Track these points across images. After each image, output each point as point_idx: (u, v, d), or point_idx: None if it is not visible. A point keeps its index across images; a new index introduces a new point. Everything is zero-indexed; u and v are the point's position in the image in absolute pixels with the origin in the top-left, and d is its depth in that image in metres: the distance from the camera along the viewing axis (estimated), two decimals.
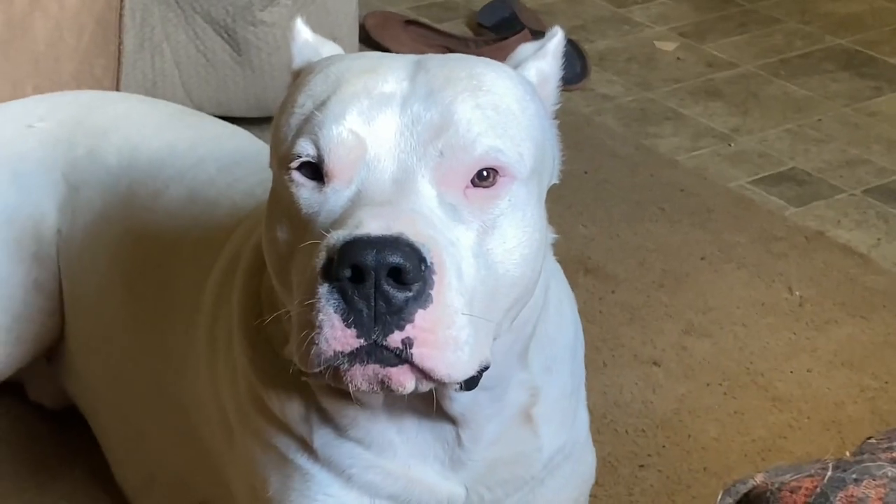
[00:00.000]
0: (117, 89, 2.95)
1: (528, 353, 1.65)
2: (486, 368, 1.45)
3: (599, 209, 3.13)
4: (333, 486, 1.66)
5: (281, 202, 1.49)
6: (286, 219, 1.48)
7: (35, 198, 2.16)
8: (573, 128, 3.32)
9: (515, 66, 1.59)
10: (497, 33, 3.93)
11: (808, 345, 2.68)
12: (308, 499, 1.66)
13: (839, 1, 4.30)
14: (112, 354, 2.12)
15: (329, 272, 1.36)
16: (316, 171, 1.45)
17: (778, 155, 3.42)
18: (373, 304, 1.35)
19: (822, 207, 3.19)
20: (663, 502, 2.29)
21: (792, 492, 1.24)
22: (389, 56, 1.56)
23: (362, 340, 1.36)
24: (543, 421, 1.70)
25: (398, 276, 1.34)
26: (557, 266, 1.77)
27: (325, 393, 1.60)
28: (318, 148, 1.44)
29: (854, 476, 1.25)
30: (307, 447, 1.65)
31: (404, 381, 1.39)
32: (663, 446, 2.41)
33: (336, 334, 1.36)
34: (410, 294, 1.35)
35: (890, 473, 1.24)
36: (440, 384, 1.41)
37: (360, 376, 1.39)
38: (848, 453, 1.35)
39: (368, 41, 3.81)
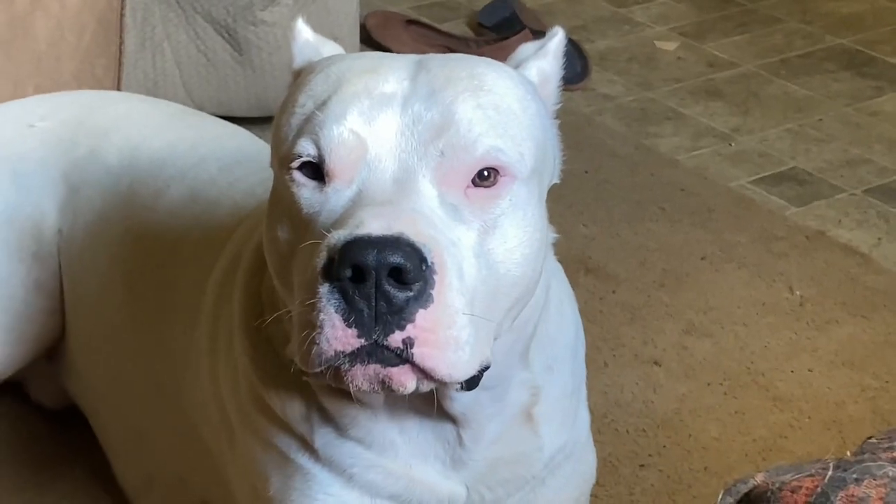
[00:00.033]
0: (118, 89, 2.95)
1: (528, 352, 1.65)
2: (487, 368, 1.45)
3: (600, 209, 3.13)
4: (334, 486, 1.66)
5: (282, 202, 1.49)
6: (287, 218, 1.48)
7: (36, 197, 2.16)
8: (574, 127, 3.32)
9: (516, 66, 1.59)
10: (498, 33, 3.93)
11: (809, 344, 2.68)
12: (309, 498, 1.66)
13: (840, 0, 4.30)
14: (113, 354, 2.12)
15: (330, 272, 1.36)
16: (317, 170, 1.45)
17: (779, 155, 3.42)
18: (373, 303, 1.35)
19: (822, 207, 3.19)
20: (664, 502, 2.29)
21: (793, 491, 1.25)
22: (390, 56, 1.56)
23: (363, 340, 1.36)
24: (544, 420, 1.70)
25: (399, 275, 1.34)
26: (558, 266, 1.77)
27: (326, 393, 1.60)
28: (318, 148, 1.44)
29: (855, 476, 1.25)
30: (308, 447, 1.65)
31: (405, 381, 1.39)
32: (664, 446, 2.41)
33: (337, 334, 1.36)
34: (411, 294, 1.35)
35: (891, 473, 1.24)
36: (441, 384, 1.41)
37: (361, 376, 1.39)
38: (849, 453, 1.35)
39: (369, 41, 3.81)
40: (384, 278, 1.34)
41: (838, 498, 1.22)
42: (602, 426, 2.41)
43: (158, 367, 2.01)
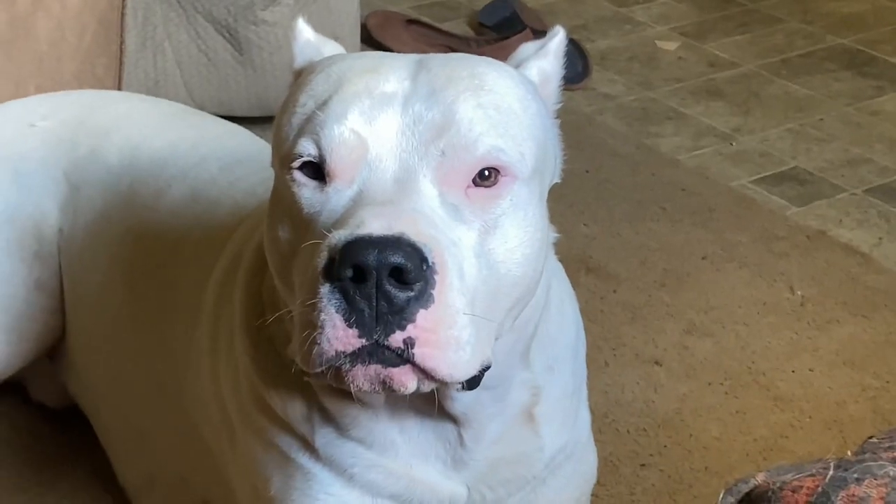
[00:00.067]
0: (119, 89, 2.95)
1: (529, 352, 1.65)
2: (488, 368, 1.45)
3: (601, 208, 3.13)
4: (335, 486, 1.66)
5: (282, 202, 1.49)
6: (288, 218, 1.48)
7: (36, 197, 2.16)
8: (575, 127, 3.32)
9: (517, 66, 1.59)
10: (498, 33, 3.93)
11: (810, 344, 2.68)
12: (310, 498, 1.66)
13: (841, 0, 4.30)
14: (113, 353, 2.12)
15: (331, 272, 1.36)
16: (317, 170, 1.45)
17: (779, 154, 3.42)
18: (374, 304, 1.35)
19: (823, 207, 3.19)
20: (665, 502, 2.29)
21: (794, 491, 1.25)
22: (391, 55, 1.56)
23: (364, 340, 1.36)
24: (545, 420, 1.70)
25: (400, 275, 1.34)
26: (559, 265, 1.77)
27: (327, 393, 1.60)
28: (319, 148, 1.44)
29: (856, 475, 1.25)
30: (309, 446, 1.65)
31: (406, 381, 1.39)
32: (665, 446, 2.41)
33: (338, 334, 1.36)
34: (412, 294, 1.35)
35: (891, 473, 1.24)
36: (442, 384, 1.41)
37: (362, 377, 1.39)
38: (849, 452, 1.35)
39: (370, 41, 3.81)
40: (385, 278, 1.34)
41: (839, 497, 1.22)
42: (603, 426, 2.41)
43: (159, 366, 2.01)
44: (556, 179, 1.62)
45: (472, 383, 1.45)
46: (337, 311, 1.36)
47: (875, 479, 1.23)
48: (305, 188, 1.46)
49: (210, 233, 1.98)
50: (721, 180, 3.28)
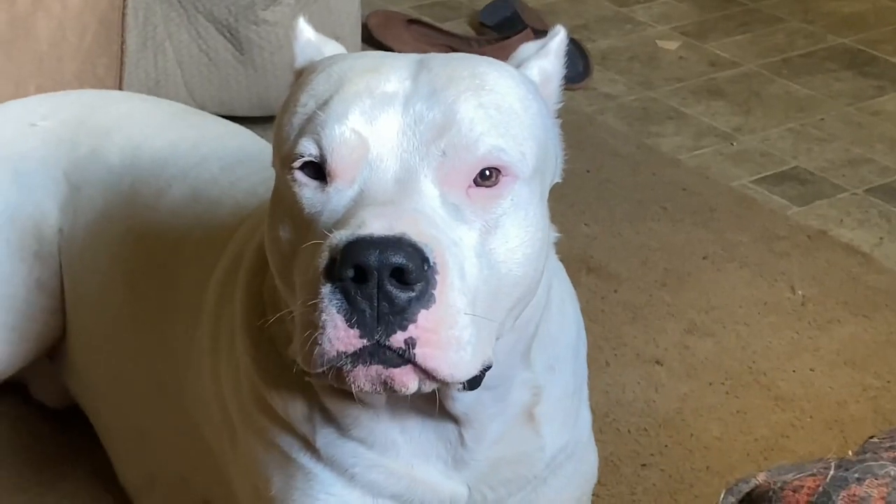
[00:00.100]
0: (120, 88, 2.95)
1: (530, 352, 1.65)
2: (489, 368, 1.45)
3: (602, 208, 3.13)
4: (336, 486, 1.66)
5: (283, 202, 1.49)
6: (289, 218, 1.48)
7: (37, 197, 2.16)
8: (575, 127, 3.31)
9: (518, 66, 1.59)
10: (499, 32, 3.93)
11: (811, 344, 2.68)
12: (311, 498, 1.66)
13: (842, 0, 4.30)
14: (114, 353, 2.12)
15: (332, 272, 1.36)
16: (318, 170, 1.45)
17: (780, 154, 3.42)
18: (376, 304, 1.35)
19: (824, 206, 3.19)
20: (666, 502, 2.29)
21: (794, 491, 1.24)
22: (392, 55, 1.56)
23: (365, 341, 1.36)
24: (546, 420, 1.70)
25: (401, 276, 1.34)
26: (560, 265, 1.77)
27: (328, 393, 1.60)
28: (320, 147, 1.44)
29: (856, 475, 1.25)
30: (310, 446, 1.65)
31: (407, 381, 1.39)
32: (666, 445, 2.41)
33: (339, 335, 1.36)
34: (413, 294, 1.35)
35: (892, 472, 1.24)
36: (443, 384, 1.41)
37: (363, 377, 1.39)
38: (850, 452, 1.35)
39: (371, 40, 3.81)
40: (386, 279, 1.34)
41: (840, 497, 1.22)
42: (604, 426, 2.41)
43: (160, 366, 2.01)
44: (557, 179, 1.62)
45: (474, 383, 1.45)
46: (338, 312, 1.36)
47: (876, 479, 1.23)
48: (306, 188, 1.46)
49: (211, 232, 1.98)
50: (722, 180, 3.28)
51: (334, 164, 1.43)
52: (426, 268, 1.35)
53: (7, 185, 2.15)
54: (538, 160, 1.50)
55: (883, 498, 1.21)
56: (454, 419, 1.61)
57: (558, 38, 1.63)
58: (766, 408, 2.51)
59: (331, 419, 1.63)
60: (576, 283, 1.85)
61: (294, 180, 1.47)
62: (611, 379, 2.56)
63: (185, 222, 2.04)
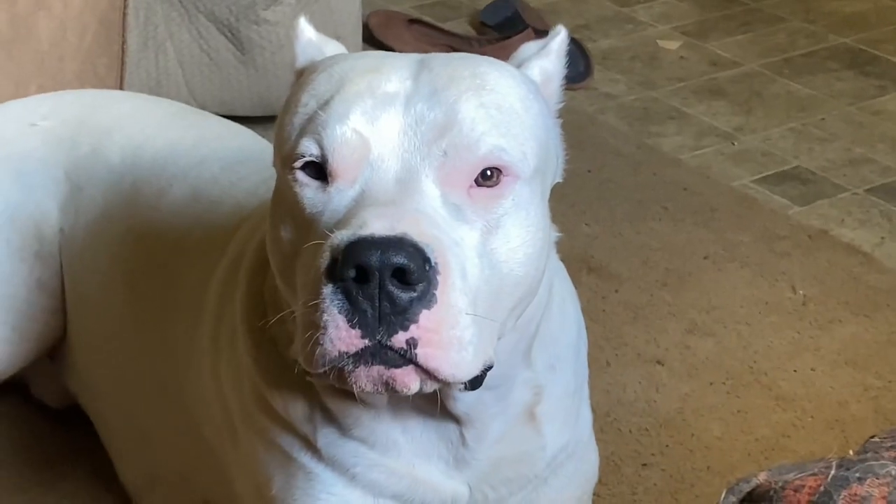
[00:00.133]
0: (121, 88, 2.95)
1: (531, 351, 1.65)
2: (491, 368, 1.45)
3: (603, 208, 3.13)
4: (337, 485, 1.66)
5: (285, 202, 1.49)
6: (290, 218, 1.48)
7: (38, 196, 2.16)
8: (576, 126, 3.31)
9: (519, 65, 1.59)
10: (500, 32, 3.93)
11: (812, 344, 2.68)
12: (312, 497, 1.66)
13: (843, 0, 4.30)
14: (115, 353, 2.12)
15: (333, 273, 1.35)
16: (320, 170, 1.45)
17: (781, 154, 3.42)
18: (377, 304, 1.35)
19: (825, 206, 3.19)
20: (667, 501, 2.29)
21: (795, 490, 1.24)
22: (393, 55, 1.56)
23: (367, 341, 1.36)
24: (547, 420, 1.70)
25: (402, 276, 1.34)
26: (560, 265, 1.77)
27: (330, 393, 1.60)
28: (321, 148, 1.44)
29: (857, 475, 1.25)
30: (311, 446, 1.65)
31: (409, 382, 1.39)
32: (667, 445, 2.41)
33: (341, 335, 1.36)
34: (415, 294, 1.35)
35: (893, 472, 1.24)
36: (445, 384, 1.41)
37: (365, 378, 1.39)
38: (851, 452, 1.35)
39: (372, 40, 3.81)
40: (388, 279, 1.34)
41: (841, 497, 1.22)
42: (605, 425, 2.41)
43: (161, 366, 2.01)
44: (558, 179, 1.62)
45: (475, 383, 1.45)
46: (340, 312, 1.36)
47: (877, 479, 1.23)
48: (307, 188, 1.46)
49: (212, 232, 1.98)
50: (723, 180, 3.28)
51: (335, 164, 1.43)
52: (428, 268, 1.35)
53: (8, 184, 2.15)
54: (539, 160, 1.50)
55: (884, 497, 1.21)
56: (455, 419, 1.61)
57: (559, 38, 1.63)
58: (768, 407, 2.51)
59: (332, 419, 1.63)
60: (577, 282, 1.85)
61: (295, 180, 1.46)
62: (612, 378, 2.56)
63: (186, 222, 2.04)
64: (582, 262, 2.90)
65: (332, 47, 1.64)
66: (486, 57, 1.56)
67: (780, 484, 1.26)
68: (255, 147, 2.19)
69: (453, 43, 3.83)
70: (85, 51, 2.75)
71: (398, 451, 1.63)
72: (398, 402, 1.58)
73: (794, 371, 2.60)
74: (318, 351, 1.37)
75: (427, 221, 1.39)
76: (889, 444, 1.34)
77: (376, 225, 1.36)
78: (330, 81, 1.50)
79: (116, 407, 2.17)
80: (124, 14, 2.95)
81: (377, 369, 1.38)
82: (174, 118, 2.28)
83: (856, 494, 1.22)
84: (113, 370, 2.14)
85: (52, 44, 2.67)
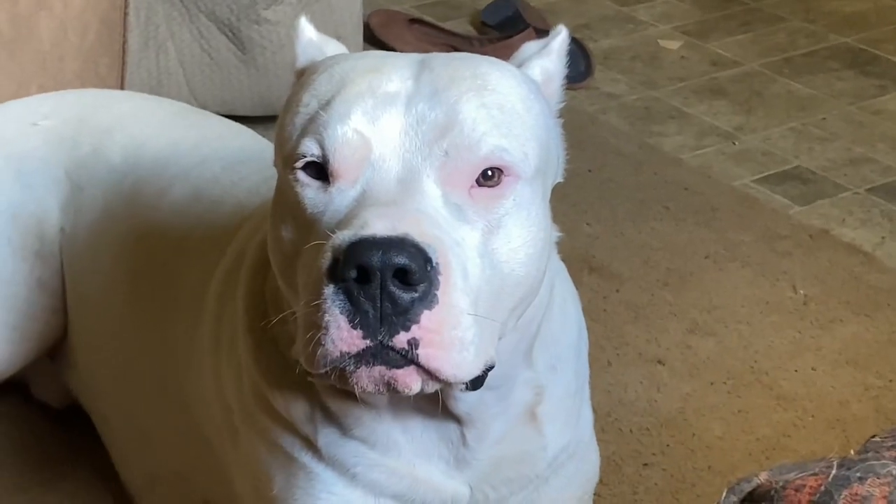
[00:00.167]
0: (122, 88, 2.95)
1: (532, 351, 1.65)
2: (492, 368, 1.45)
3: (604, 208, 3.13)
4: (338, 485, 1.66)
5: (286, 202, 1.49)
6: (291, 218, 1.48)
7: (38, 196, 2.16)
8: (577, 126, 3.31)
9: (519, 65, 1.59)
10: (501, 32, 3.93)
11: (813, 343, 2.68)
12: (312, 497, 1.66)
13: None
14: (116, 352, 2.12)
15: (335, 273, 1.35)
16: (321, 170, 1.45)
17: (782, 153, 3.42)
18: (379, 304, 1.35)
19: (826, 206, 3.19)
20: (668, 501, 2.29)
21: (796, 490, 1.24)
22: (394, 55, 1.56)
23: (368, 341, 1.36)
24: (548, 420, 1.70)
25: (404, 276, 1.34)
26: (561, 265, 1.77)
27: (331, 392, 1.60)
28: (322, 148, 1.44)
29: (858, 474, 1.25)
30: (312, 446, 1.65)
31: (410, 382, 1.39)
32: (668, 445, 2.41)
33: (342, 335, 1.36)
34: (416, 295, 1.35)
35: (894, 471, 1.24)
36: (446, 384, 1.41)
37: (367, 378, 1.39)
38: (852, 452, 1.35)
39: (373, 40, 3.81)
40: (389, 279, 1.34)
41: (842, 496, 1.22)
42: (606, 425, 2.41)
43: (161, 365, 2.01)
44: (559, 179, 1.62)
45: (476, 383, 1.45)
46: (341, 312, 1.35)
47: (878, 478, 1.23)
48: (309, 188, 1.46)
49: (213, 232, 1.98)
50: (724, 179, 3.28)
51: (337, 164, 1.43)
52: (429, 268, 1.35)
53: (9, 184, 2.15)
54: (540, 160, 1.50)
55: (885, 497, 1.21)
56: (456, 419, 1.61)
57: (560, 38, 1.63)
58: (768, 407, 2.51)
59: (332, 419, 1.63)
60: (578, 282, 1.85)
61: (296, 180, 1.46)
62: (613, 378, 2.56)
63: (187, 222, 2.04)
64: (583, 261, 2.90)
65: (333, 47, 1.64)
66: (487, 57, 1.56)
67: (780, 483, 1.26)
68: (255, 147, 2.19)
69: (454, 42, 3.84)
70: (86, 50, 2.75)
71: (399, 451, 1.63)
72: (399, 402, 1.58)
73: (795, 371, 2.60)
74: (319, 351, 1.37)
75: (428, 222, 1.39)
76: (890, 444, 1.34)
77: (378, 225, 1.36)
78: (331, 81, 1.50)
79: (117, 407, 2.17)
80: (125, 14, 2.95)
81: (378, 370, 1.38)
82: (175, 118, 2.28)
83: (857, 494, 1.21)
84: (113, 370, 2.14)
85: (54, 43, 2.67)
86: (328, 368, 1.39)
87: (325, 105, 1.46)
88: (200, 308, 1.89)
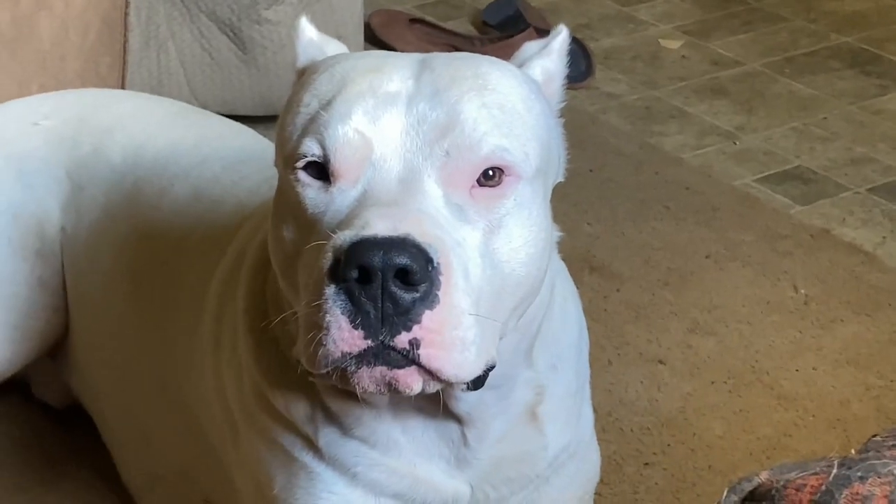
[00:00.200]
0: (123, 87, 2.95)
1: (533, 351, 1.65)
2: (493, 368, 1.45)
3: (604, 207, 3.13)
4: (338, 485, 1.66)
5: (287, 202, 1.49)
6: (292, 218, 1.48)
7: (39, 196, 2.16)
8: (578, 126, 3.31)
9: (520, 65, 1.59)
10: (502, 31, 3.93)
11: (814, 343, 2.68)
12: (313, 497, 1.66)
13: None
14: (116, 352, 2.12)
15: (336, 273, 1.35)
16: (322, 170, 1.45)
17: (783, 153, 3.42)
18: (380, 305, 1.35)
19: (827, 205, 3.19)
20: (668, 501, 2.29)
21: (797, 489, 1.24)
22: (394, 55, 1.56)
23: (370, 341, 1.36)
24: (549, 419, 1.70)
25: (405, 276, 1.34)
26: (562, 264, 1.77)
27: (331, 392, 1.60)
28: (323, 148, 1.44)
29: (859, 474, 1.25)
30: (312, 446, 1.65)
31: (412, 382, 1.39)
32: (668, 445, 2.41)
33: (343, 335, 1.36)
34: (417, 295, 1.35)
35: (895, 471, 1.24)
36: (447, 384, 1.41)
37: (368, 378, 1.39)
38: (853, 451, 1.35)
39: (374, 40, 3.81)
40: (390, 279, 1.34)
41: (843, 496, 1.22)
42: (606, 425, 2.41)
43: (162, 364, 2.01)
44: (560, 178, 1.62)
45: (478, 383, 1.45)
46: (342, 313, 1.36)
47: (879, 478, 1.23)
48: (310, 188, 1.46)
49: (213, 231, 1.98)
50: (725, 179, 3.28)
51: (338, 164, 1.43)
52: (430, 268, 1.35)
53: (10, 183, 2.15)
54: (541, 160, 1.50)
55: (886, 496, 1.21)
56: (457, 418, 1.61)
57: (561, 37, 1.63)
58: (769, 407, 2.51)
59: (333, 419, 1.63)
60: (578, 282, 1.85)
61: (297, 180, 1.46)
62: (613, 378, 2.56)
63: (188, 221, 2.04)
64: (584, 261, 2.90)
65: (334, 47, 1.64)
66: (487, 57, 1.56)
67: (781, 483, 1.27)
68: (256, 146, 2.19)
69: (455, 42, 3.83)
70: (87, 50, 2.75)
71: (399, 450, 1.63)
72: (399, 401, 1.58)
73: (796, 370, 2.60)
74: (320, 352, 1.37)
75: (429, 222, 1.39)
76: (891, 443, 1.34)
77: (379, 225, 1.36)
78: (331, 81, 1.50)
79: (118, 406, 2.17)
80: (126, 13, 2.95)
81: (380, 370, 1.38)
82: (176, 117, 2.28)
83: (858, 493, 1.22)
84: (114, 369, 2.14)
85: (54, 43, 2.67)
86: (329, 369, 1.39)
87: (326, 105, 1.46)
88: (201, 308, 1.89)
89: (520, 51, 1.64)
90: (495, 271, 1.43)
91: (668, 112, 3.61)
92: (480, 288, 1.41)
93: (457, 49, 3.67)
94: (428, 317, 1.36)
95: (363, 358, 1.37)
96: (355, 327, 1.35)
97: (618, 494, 2.29)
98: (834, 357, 2.64)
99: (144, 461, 2.14)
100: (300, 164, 1.46)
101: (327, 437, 1.64)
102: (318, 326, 1.37)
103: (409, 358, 1.36)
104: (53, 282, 2.18)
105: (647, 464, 2.36)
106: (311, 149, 1.45)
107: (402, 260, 1.33)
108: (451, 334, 1.37)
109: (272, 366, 1.66)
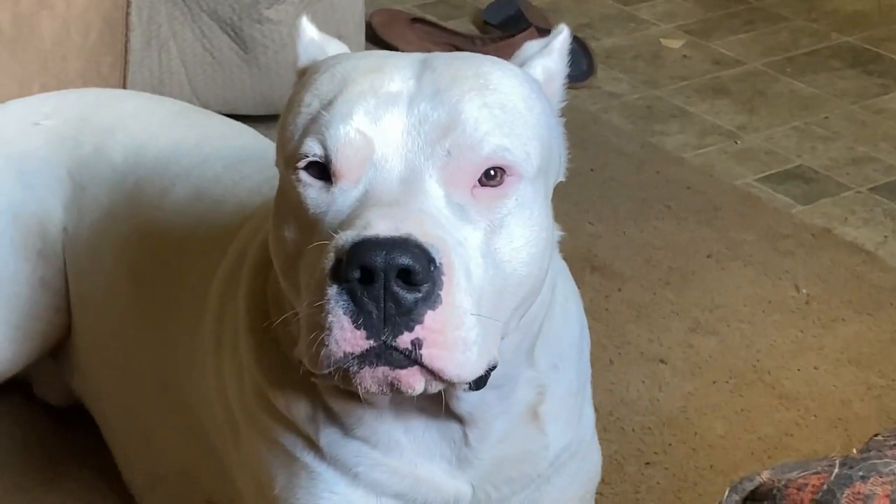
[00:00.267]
0: (124, 87, 2.95)
1: (534, 351, 1.65)
2: (495, 367, 1.45)
3: (606, 207, 3.13)
4: (339, 485, 1.66)
5: (288, 202, 1.49)
6: (293, 219, 1.48)
7: (41, 196, 2.16)
8: (579, 125, 3.31)
9: (521, 64, 1.59)
10: (503, 31, 3.93)
11: (815, 342, 2.68)
12: (314, 497, 1.66)
13: None
14: (118, 352, 2.12)
15: (338, 273, 1.35)
16: (323, 170, 1.45)
17: (784, 152, 3.42)
18: (382, 305, 1.35)
19: (828, 205, 3.19)
20: (670, 500, 2.29)
21: (799, 489, 1.24)
22: (395, 55, 1.56)
23: (372, 342, 1.36)
24: (550, 419, 1.70)
25: (407, 277, 1.34)
26: (563, 264, 1.77)
27: (332, 392, 1.60)
28: (325, 148, 1.44)
29: (861, 473, 1.25)
30: (313, 446, 1.65)
31: (414, 382, 1.39)
32: (670, 444, 2.41)
33: (345, 336, 1.36)
34: (419, 295, 1.35)
35: None
36: (449, 384, 1.41)
37: (370, 378, 1.39)
38: (855, 450, 1.35)
39: (375, 39, 3.81)
40: (392, 280, 1.34)
41: (844, 495, 1.22)
42: (608, 424, 2.41)
43: (164, 364, 2.01)
44: (561, 178, 1.62)
45: (479, 383, 1.45)
46: (345, 313, 1.35)
47: (880, 477, 1.23)
48: (311, 188, 1.46)
49: (215, 231, 1.98)
50: (726, 178, 3.28)
51: (339, 164, 1.43)
52: (432, 269, 1.35)
53: (11, 183, 2.15)
54: (542, 159, 1.50)
55: (887, 496, 1.21)
56: (458, 418, 1.61)
57: (562, 37, 1.63)
58: (771, 406, 2.51)
59: (334, 418, 1.63)
60: (580, 281, 1.85)
61: (298, 180, 1.46)
62: (615, 377, 2.56)
63: (189, 221, 2.04)
64: (585, 260, 2.90)
65: (335, 46, 1.64)
66: (488, 56, 1.56)
67: (783, 482, 1.27)
68: (257, 146, 2.19)
69: (456, 42, 3.83)
70: (88, 50, 2.75)
71: (400, 450, 1.63)
72: (401, 401, 1.58)
73: (798, 370, 2.60)
74: (322, 352, 1.37)
75: (431, 222, 1.39)
76: (892, 443, 1.34)
77: (381, 225, 1.36)
78: (332, 81, 1.50)
79: (119, 406, 2.17)
80: (127, 13, 2.95)
81: (382, 370, 1.38)
82: (177, 117, 2.28)
83: (859, 493, 1.22)
84: (116, 369, 2.14)
85: (56, 43, 2.67)
86: (332, 369, 1.38)
87: (327, 105, 1.46)
88: (202, 307, 1.89)
89: (521, 50, 1.63)
90: (497, 271, 1.43)
91: (670, 111, 3.61)
92: (482, 288, 1.41)
93: (458, 48, 3.67)
94: (430, 317, 1.36)
95: (365, 358, 1.37)
96: (357, 327, 1.35)
97: (619, 494, 2.29)
98: (835, 356, 2.64)
99: (146, 461, 2.14)
100: (301, 164, 1.46)
101: (329, 437, 1.64)
102: (320, 327, 1.37)
103: (411, 358, 1.36)
104: (55, 282, 2.18)
105: (648, 463, 2.36)
106: (312, 149, 1.45)
107: (405, 260, 1.33)
108: (453, 334, 1.37)
109: (273, 366, 1.66)
